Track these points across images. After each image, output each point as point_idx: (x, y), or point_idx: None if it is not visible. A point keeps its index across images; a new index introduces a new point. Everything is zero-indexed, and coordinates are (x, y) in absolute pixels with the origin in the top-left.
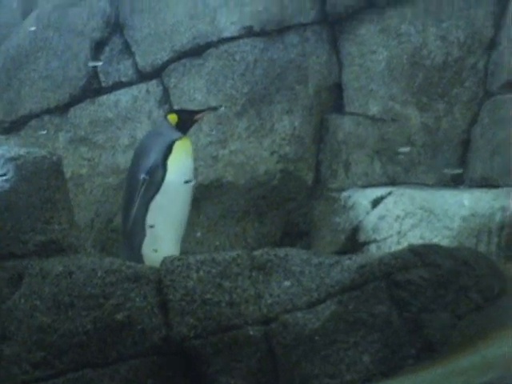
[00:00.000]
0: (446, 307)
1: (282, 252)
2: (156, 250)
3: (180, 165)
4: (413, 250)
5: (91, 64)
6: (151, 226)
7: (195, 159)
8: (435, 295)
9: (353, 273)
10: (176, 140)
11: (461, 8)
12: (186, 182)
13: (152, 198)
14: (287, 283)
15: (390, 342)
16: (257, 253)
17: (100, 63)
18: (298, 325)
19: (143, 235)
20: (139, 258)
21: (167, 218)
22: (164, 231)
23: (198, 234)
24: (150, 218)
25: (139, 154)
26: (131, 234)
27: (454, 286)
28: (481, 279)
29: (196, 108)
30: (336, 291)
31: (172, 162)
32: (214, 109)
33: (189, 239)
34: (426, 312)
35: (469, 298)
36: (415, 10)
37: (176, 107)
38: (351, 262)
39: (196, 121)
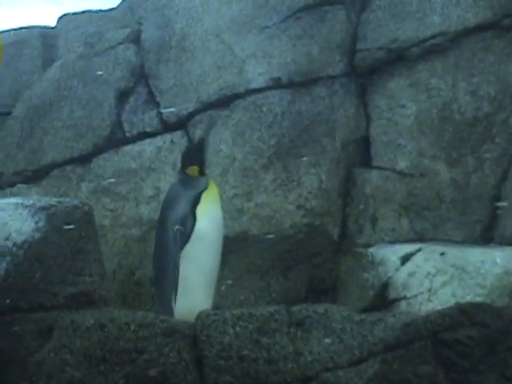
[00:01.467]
0: (494, 368)
1: (321, 308)
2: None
3: (208, 213)
4: (460, 309)
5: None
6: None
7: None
8: (483, 355)
9: (397, 331)
10: (203, 190)
11: (491, 63)
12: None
13: (182, 248)
14: (327, 340)
15: None
16: (295, 308)
17: None
18: (340, 383)
19: (175, 287)
20: (170, 312)
21: (198, 268)
22: (195, 283)
23: (223, 288)
24: (181, 270)
25: (167, 207)
26: (163, 286)
27: (502, 346)
28: None
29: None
30: (379, 350)
31: (200, 211)
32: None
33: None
34: (474, 373)
35: None
36: (445, 64)
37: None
38: (395, 319)
39: None
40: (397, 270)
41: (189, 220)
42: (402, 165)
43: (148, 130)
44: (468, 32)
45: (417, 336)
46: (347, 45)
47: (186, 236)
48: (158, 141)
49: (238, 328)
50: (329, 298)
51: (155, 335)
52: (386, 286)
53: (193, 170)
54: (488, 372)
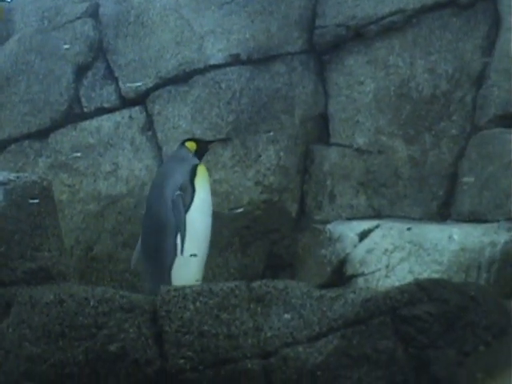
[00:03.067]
0: (452, 344)
1: (281, 284)
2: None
3: (204, 187)
4: (419, 285)
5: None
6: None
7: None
8: (442, 331)
9: (357, 307)
10: (198, 164)
11: (449, 41)
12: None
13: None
14: (287, 316)
15: (394, 378)
16: (255, 284)
17: None
18: (299, 359)
19: (173, 257)
20: (168, 280)
21: (196, 237)
22: (194, 252)
23: None
24: (180, 238)
25: (163, 176)
26: (163, 255)
27: (460, 322)
28: (488, 315)
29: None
30: (339, 325)
31: (198, 183)
32: (225, 140)
33: None
34: (433, 348)
35: (476, 335)
36: (403, 42)
37: (192, 136)
38: (355, 295)
39: (208, 150)
40: (355, 246)
41: (188, 189)
42: (360, 142)
43: (106, 105)
44: (426, 10)
45: (376, 312)
46: (306, 21)
47: (185, 205)
48: (117, 116)
49: (198, 303)
50: (286, 274)
51: (115, 310)
52: (343, 262)
53: (191, 144)
54: (446, 347)
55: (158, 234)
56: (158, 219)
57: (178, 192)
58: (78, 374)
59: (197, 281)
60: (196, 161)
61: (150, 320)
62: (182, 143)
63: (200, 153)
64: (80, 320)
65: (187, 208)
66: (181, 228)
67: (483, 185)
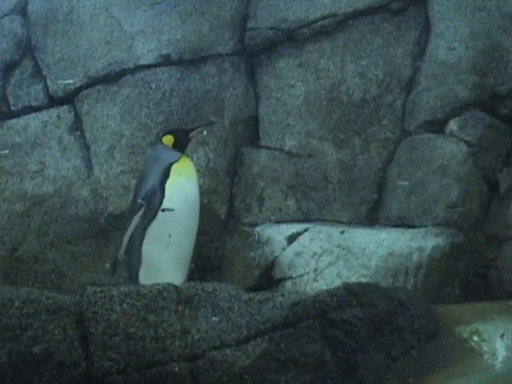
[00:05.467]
0: (380, 348)
1: (209, 286)
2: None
3: (178, 188)
4: (348, 289)
5: None
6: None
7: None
8: (370, 335)
9: (286, 310)
10: (173, 162)
11: (380, 46)
12: (164, 210)
13: (149, 224)
14: (215, 319)
15: (322, 382)
16: (183, 286)
17: None
18: (227, 362)
19: (139, 264)
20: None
21: (163, 247)
22: (160, 261)
23: (107, 265)
24: (146, 246)
25: (138, 181)
26: (128, 262)
27: (388, 327)
28: (415, 320)
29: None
30: (267, 328)
31: (170, 186)
32: (208, 124)
33: (96, 270)
34: (361, 352)
35: (403, 339)
36: (334, 46)
37: (169, 128)
38: (284, 298)
39: (191, 138)
40: (283, 249)
41: (157, 195)
42: (290, 145)
43: (34, 104)
44: (357, 14)
45: (305, 315)
46: (238, 23)
47: (152, 211)
48: (44, 115)
49: (125, 305)
50: (214, 276)
51: (40, 312)
52: (272, 265)
53: (168, 138)
54: (374, 352)
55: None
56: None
57: (140, 201)
58: (0, 376)
59: None
60: (174, 157)
61: (75, 321)
62: (160, 139)
63: (180, 144)
64: (4, 321)
65: (154, 214)
66: (124, 236)
67: (411, 190)
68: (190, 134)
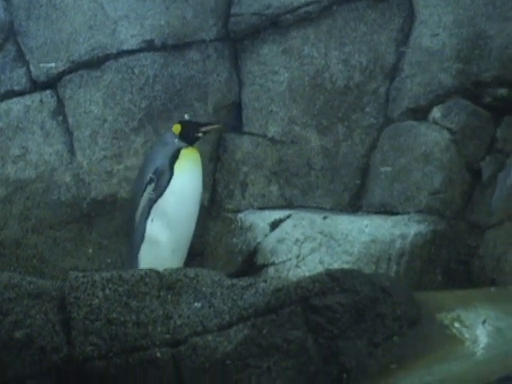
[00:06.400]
0: (362, 334)
1: (191, 272)
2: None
3: (187, 171)
4: (331, 275)
5: None
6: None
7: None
8: (352, 322)
9: (268, 296)
10: (182, 148)
11: (364, 33)
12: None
13: (155, 201)
14: (197, 304)
15: (304, 368)
16: (166, 272)
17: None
18: (209, 348)
19: (141, 240)
20: (136, 262)
21: (167, 224)
22: (162, 238)
23: (90, 251)
24: (150, 223)
25: (144, 163)
26: (131, 236)
27: (371, 313)
28: (397, 306)
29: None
30: (249, 314)
31: (178, 167)
32: (221, 125)
33: (79, 255)
34: (342, 339)
35: (385, 326)
36: (318, 32)
37: (186, 118)
38: (266, 284)
39: (202, 133)
40: (266, 235)
41: (166, 173)
42: (273, 131)
43: (16, 88)
44: (341, 1)
45: (287, 301)
46: (221, 9)
47: (160, 189)
48: (27, 100)
49: (107, 291)
50: (197, 262)
51: (21, 297)
52: (254, 251)
53: (176, 127)
54: (356, 338)
55: (129, 218)
56: (130, 203)
57: (150, 175)
58: None
59: None
60: (182, 144)
61: (57, 306)
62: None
63: (187, 136)
64: None
65: (161, 192)
66: (139, 210)
67: (394, 177)
68: (201, 129)
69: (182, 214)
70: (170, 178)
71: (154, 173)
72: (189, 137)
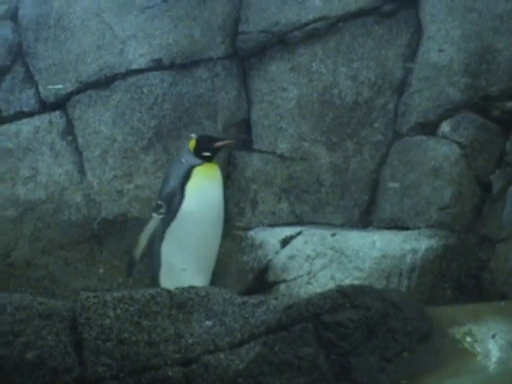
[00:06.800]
0: (374, 350)
1: (202, 291)
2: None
3: (198, 191)
4: (341, 291)
5: None
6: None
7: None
8: (363, 338)
9: (279, 313)
10: (196, 165)
11: (372, 48)
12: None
13: (168, 225)
14: (209, 323)
15: None
16: (177, 291)
17: None
18: (221, 366)
19: (159, 265)
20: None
21: (181, 248)
22: (178, 263)
23: (101, 271)
24: (165, 247)
25: (162, 183)
26: (150, 264)
27: (382, 329)
28: (408, 321)
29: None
30: (261, 332)
31: (190, 188)
32: (237, 139)
33: (90, 275)
34: (354, 355)
35: (397, 341)
36: (326, 49)
37: (201, 134)
38: (277, 301)
39: (219, 148)
40: (276, 253)
41: (177, 196)
42: (283, 148)
43: (25, 109)
44: (349, 17)
45: (298, 318)
46: (229, 27)
47: (172, 212)
48: (36, 121)
49: (118, 310)
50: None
51: (33, 317)
52: (265, 269)
53: (192, 142)
54: (368, 354)
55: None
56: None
57: (158, 202)
58: None
59: None
60: (196, 162)
61: (68, 327)
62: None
63: (202, 151)
64: None
65: (174, 215)
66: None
67: (404, 192)
68: (216, 144)
69: (196, 235)
70: (181, 201)
71: (164, 198)
72: (203, 152)
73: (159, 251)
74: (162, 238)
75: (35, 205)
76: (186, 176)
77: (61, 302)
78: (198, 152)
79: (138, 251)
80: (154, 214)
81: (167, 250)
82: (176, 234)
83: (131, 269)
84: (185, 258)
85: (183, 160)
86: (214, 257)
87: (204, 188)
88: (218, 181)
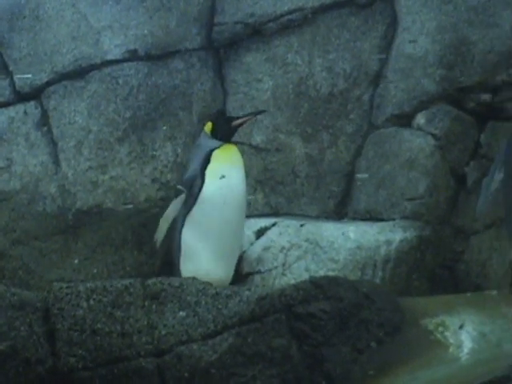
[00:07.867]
0: (346, 341)
1: (176, 281)
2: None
3: (217, 175)
4: (314, 282)
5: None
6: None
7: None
8: (336, 329)
9: (252, 304)
10: (214, 149)
11: (347, 40)
12: (222, 177)
13: (189, 211)
14: (182, 314)
15: (289, 376)
16: (150, 282)
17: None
18: (194, 357)
19: (179, 251)
20: (179, 275)
21: (201, 233)
22: (199, 250)
23: (76, 262)
24: (186, 233)
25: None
26: (171, 249)
27: (354, 320)
28: (381, 313)
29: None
30: (234, 323)
31: (210, 172)
32: (254, 114)
33: (65, 266)
34: (327, 346)
35: (369, 332)
36: (302, 40)
37: (216, 115)
38: (250, 293)
39: (236, 127)
40: (251, 244)
41: (197, 181)
42: (258, 139)
43: (0, 99)
44: (324, 8)
45: (271, 309)
46: (205, 18)
47: (193, 197)
48: (11, 111)
49: (91, 301)
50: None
51: (5, 308)
52: (240, 260)
53: (208, 125)
54: (340, 345)
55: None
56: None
57: (178, 187)
58: None
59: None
60: (215, 144)
61: (41, 318)
62: (203, 126)
63: (220, 133)
64: None
65: (194, 201)
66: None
67: (379, 183)
68: (234, 123)
69: (217, 221)
70: (202, 186)
71: (184, 184)
72: (222, 133)
73: (179, 238)
74: (182, 224)
75: (10, 195)
76: (205, 160)
77: (34, 293)
78: (215, 134)
79: (160, 235)
80: (175, 199)
81: (187, 235)
82: (197, 220)
83: (154, 252)
84: (205, 245)
85: (203, 143)
86: (238, 243)
87: (225, 170)
88: (238, 163)
